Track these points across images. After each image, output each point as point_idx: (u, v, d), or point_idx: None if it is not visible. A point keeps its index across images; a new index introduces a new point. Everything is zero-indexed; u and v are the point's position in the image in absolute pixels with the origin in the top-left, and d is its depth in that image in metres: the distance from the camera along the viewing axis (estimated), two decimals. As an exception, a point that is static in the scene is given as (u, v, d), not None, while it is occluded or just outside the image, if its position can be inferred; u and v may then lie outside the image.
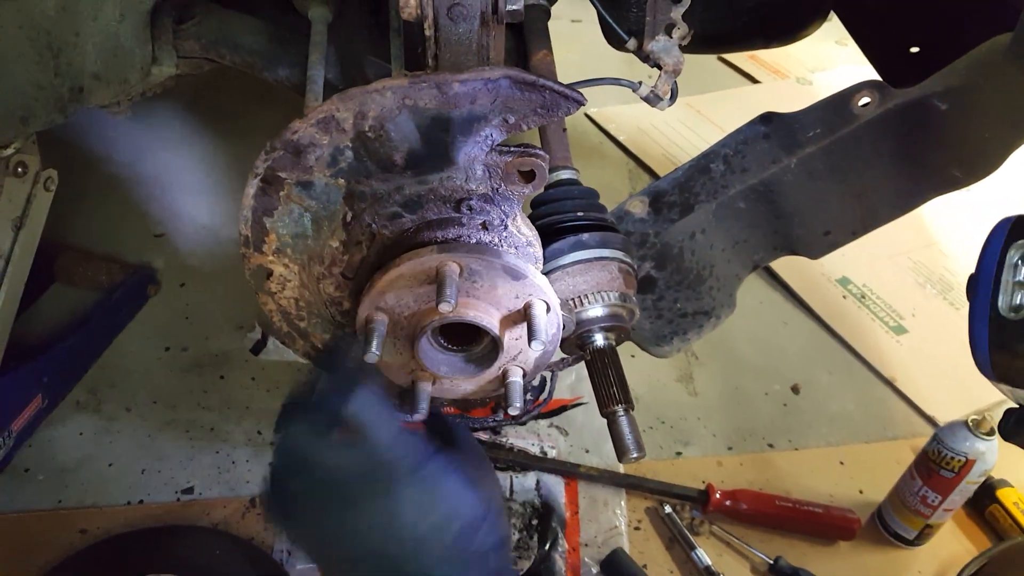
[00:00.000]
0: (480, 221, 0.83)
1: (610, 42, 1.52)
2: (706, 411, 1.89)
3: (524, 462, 1.64)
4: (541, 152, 0.81)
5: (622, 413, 0.99)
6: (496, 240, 0.83)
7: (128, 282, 1.81)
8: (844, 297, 2.35)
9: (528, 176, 0.82)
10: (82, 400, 1.65)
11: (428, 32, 0.83)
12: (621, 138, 2.87)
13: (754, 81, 3.47)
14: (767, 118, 1.23)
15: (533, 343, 0.77)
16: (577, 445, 1.73)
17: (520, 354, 0.84)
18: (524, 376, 0.85)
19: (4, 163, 1.27)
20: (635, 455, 0.99)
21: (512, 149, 0.81)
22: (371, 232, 0.85)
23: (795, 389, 2.02)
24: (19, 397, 1.49)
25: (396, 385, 0.95)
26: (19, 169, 1.29)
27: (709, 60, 3.58)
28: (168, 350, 1.79)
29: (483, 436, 1.68)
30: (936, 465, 1.53)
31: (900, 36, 1.59)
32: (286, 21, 1.36)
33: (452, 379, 0.87)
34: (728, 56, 3.55)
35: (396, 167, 0.80)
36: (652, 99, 1.01)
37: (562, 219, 1.07)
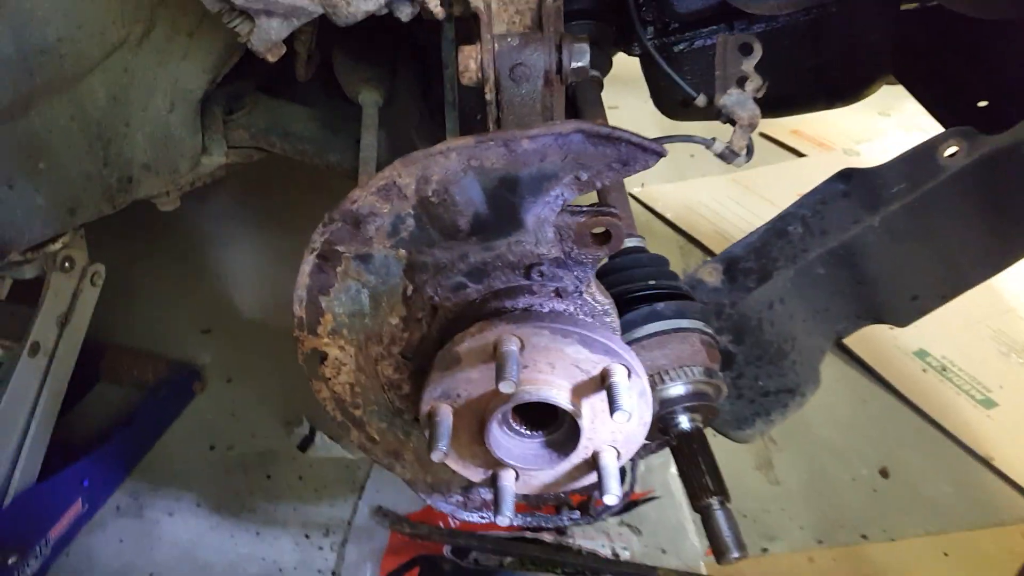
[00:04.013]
0: (552, 288, 0.75)
1: (663, 109, 1.48)
2: (790, 501, 1.73)
3: (595, 567, 1.50)
4: (616, 211, 0.74)
5: (717, 506, 0.88)
6: (571, 309, 0.75)
7: (173, 379, 1.76)
8: (924, 371, 2.21)
9: (602, 238, 0.74)
10: (123, 505, 1.57)
11: (489, 96, 0.78)
12: (668, 215, 2.81)
13: (799, 155, 3.41)
14: (846, 175, 1.14)
15: (616, 413, 0.68)
16: (652, 545, 1.59)
17: (609, 433, 0.75)
18: (619, 457, 0.74)
19: (51, 258, 1.24)
20: (735, 555, 0.87)
21: (585, 209, 0.74)
22: (433, 306, 0.77)
23: (884, 473, 1.86)
24: (59, 503, 1.42)
25: (462, 479, 0.85)
26: (66, 264, 1.27)
27: (752, 137, 3.54)
28: (213, 449, 1.72)
29: (547, 538, 1.55)
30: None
31: (965, 91, 1.52)
32: (335, 108, 1.35)
33: (533, 470, 0.77)
34: (769, 131, 3.52)
35: (461, 233, 0.73)
36: (728, 155, 0.94)
37: (632, 288, 0.99)
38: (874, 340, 2.19)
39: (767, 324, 1.27)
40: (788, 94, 1.38)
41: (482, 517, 0.92)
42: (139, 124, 1.10)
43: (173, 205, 1.29)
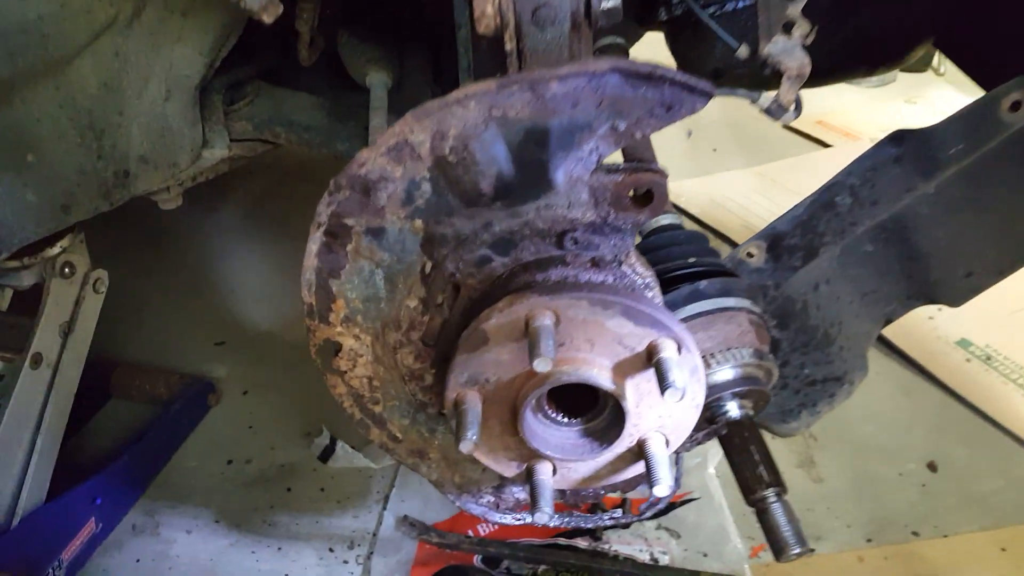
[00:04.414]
0: (588, 258, 0.67)
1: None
2: (835, 499, 1.64)
3: (635, 572, 1.41)
4: (658, 166, 0.66)
5: (774, 498, 0.80)
6: (610, 280, 0.67)
7: (187, 393, 1.69)
8: (968, 361, 2.12)
9: (643, 199, 0.66)
10: (139, 523, 1.50)
11: (509, 45, 0.70)
12: (694, 211, 2.72)
13: (825, 145, 3.32)
14: (898, 138, 1.05)
15: (668, 391, 0.59)
16: (693, 548, 1.49)
17: (657, 418, 0.66)
18: (667, 445, 0.66)
19: (50, 264, 1.17)
20: (796, 550, 0.79)
21: (623, 167, 0.66)
22: (455, 284, 0.69)
23: (932, 467, 1.77)
24: (71, 523, 1.35)
25: (492, 477, 0.77)
26: (66, 270, 1.20)
27: (774, 129, 3.46)
28: (231, 463, 1.65)
29: (581, 544, 1.46)
30: None
31: (1013, 51, 1.42)
32: (342, 97, 1.28)
33: (572, 462, 0.69)
34: (794, 123, 3.43)
35: (483, 198, 0.65)
36: (775, 111, 0.86)
37: (671, 267, 0.91)
38: (914, 331, 2.12)
39: (813, 307, 1.19)
40: (827, 61, 1.30)
41: (516, 519, 0.84)
42: (134, 114, 1.04)
43: (175, 203, 1.23)
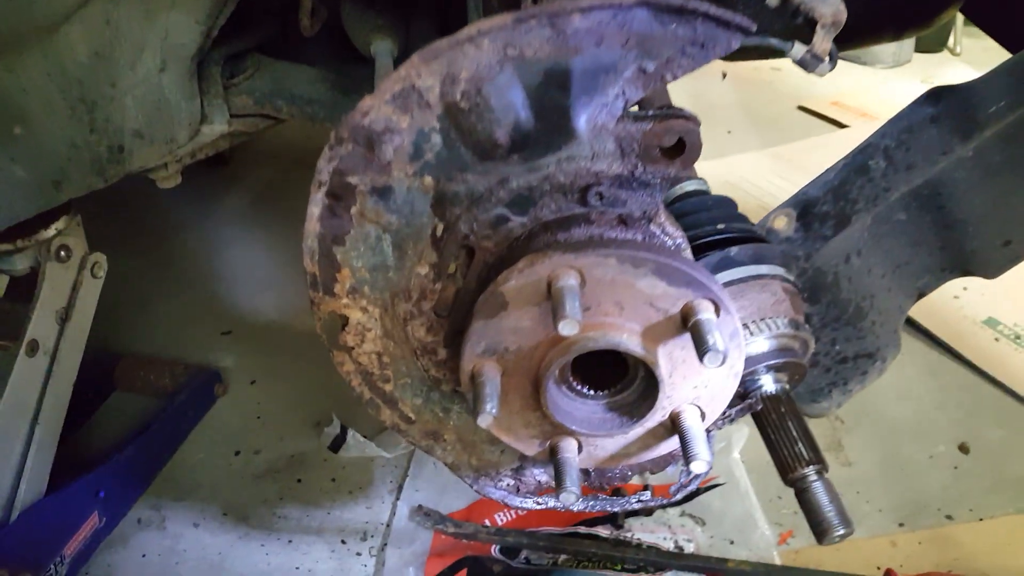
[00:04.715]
0: (615, 215, 0.61)
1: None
2: (865, 483, 1.59)
3: (659, 561, 1.35)
4: (690, 113, 0.60)
5: (815, 477, 0.75)
6: (639, 238, 0.61)
7: (193, 383, 1.64)
8: (996, 340, 2.08)
9: (674, 150, 0.61)
10: (144, 517, 1.46)
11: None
12: (710, 193, 2.66)
13: (841, 126, 3.25)
14: (935, 95, 0.99)
15: (707, 355, 0.53)
16: (719, 535, 1.44)
17: (692, 389, 0.61)
18: (703, 418, 0.60)
19: (45, 247, 1.12)
20: (840, 531, 0.74)
21: (651, 113, 0.60)
22: (469, 248, 0.64)
23: (963, 448, 1.72)
24: (73, 517, 1.31)
25: (515, 454, 0.72)
26: (62, 253, 1.15)
27: (790, 111, 3.41)
28: (238, 455, 1.60)
29: (603, 532, 1.41)
30: None
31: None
32: (346, 70, 1.23)
33: (599, 438, 0.63)
34: (809, 104, 3.38)
35: (499, 150, 0.59)
36: (809, 61, 0.80)
37: (699, 233, 0.85)
38: (941, 310, 2.09)
39: (844, 280, 1.13)
40: (854, 21, 1.24)
41: (537, 503, 0.79)
42: (128, 86, 0.99)
43: (173, 181, 1.17)
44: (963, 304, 2.16)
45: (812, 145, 3.01)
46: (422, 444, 0.80)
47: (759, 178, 2.72)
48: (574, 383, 0.63)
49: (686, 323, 0.57)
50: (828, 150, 2.83)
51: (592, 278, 0.56)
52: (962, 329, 2.07)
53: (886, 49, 3.99)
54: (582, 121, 0.58)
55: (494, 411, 0.57)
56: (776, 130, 3.21)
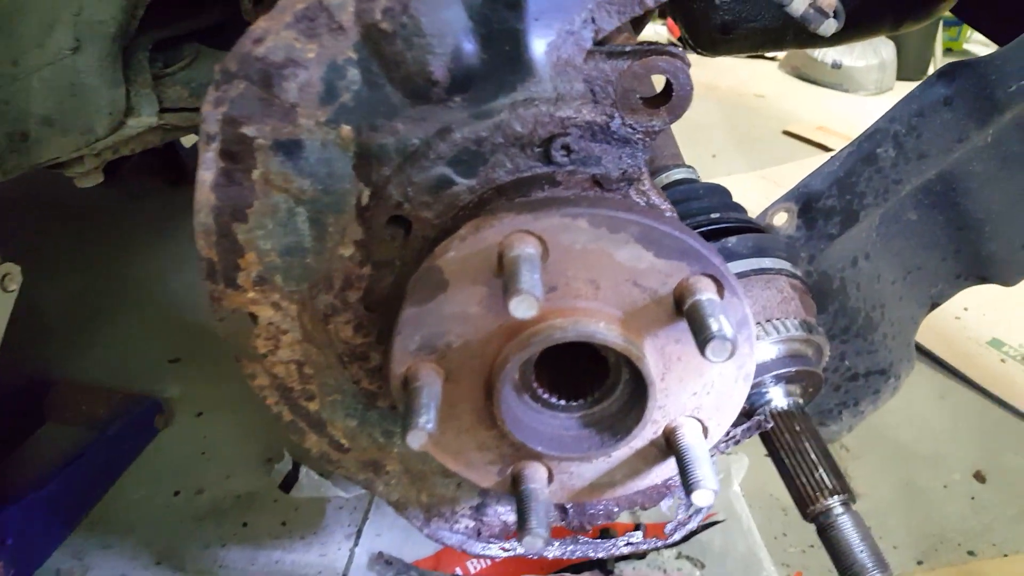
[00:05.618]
0: (588, 176, 0.48)
1: (699, 43, 1.22)
2: (878, 516, 1.46)
3: (650, 608, 1.20)
4: (677, 50, 0.47)
5: (841, 510, 0.61)
6: (617, 200, 0.48)
7: (131, 414, 1.49)
8: (1003, 361, 1.99)
9: (658, 99, 0.48)
10: (64, 569, 1.29)
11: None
12: (696, 213, 2.56)
13: (827, 150, 3.20)
14: (948, 74, 0.87)
15: (711, 344, 0.39)
16: (719, 579, 1.29)
17: (691, 396, 0.47)
18: (706, 435, 0.46)
19: (-58, 256, 0.98)
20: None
21: (630, 48, 0.47)
22: (403, 220, 0.50)
23: (979, 477, 1.61)
24: (-27, 569, 1.15)
25: (474, 489, 0.57)
26: (-38, 263, 1.00)
27: (775, 135, 3.37)
28: (178, 495, 1.44)
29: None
30: None
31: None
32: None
33: (574, 462, 0.49)
34: (795, 129, 3.34)
35: (435, 89, 0.46)
36: (813, 17, 0.68)
37: (691, 223, 0.72)
38: (943, 331, 1.99)
39: (852, 287, 1.01)
40: (854, 13, 1.13)
41: (504, 549, 0.64)
42: (33, 64, 0.86)
43: (93, 180, 1.03)
44: (965, 325, 2.07)
45: (800, 167, 2.93)
46: (359, 478, 0.65)
47: (746, 201, 2.62)
48: (539, 391, 0.49)
49: (681, 307, 0.43)
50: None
51: (557, 247, 0.42)
52: (967, 350, 1.97)
53: (869, 76, 4.01)
54: (540, 52, 0.45)
55: (430, 426, 0.42)
56: (762, 154, 3.17)
